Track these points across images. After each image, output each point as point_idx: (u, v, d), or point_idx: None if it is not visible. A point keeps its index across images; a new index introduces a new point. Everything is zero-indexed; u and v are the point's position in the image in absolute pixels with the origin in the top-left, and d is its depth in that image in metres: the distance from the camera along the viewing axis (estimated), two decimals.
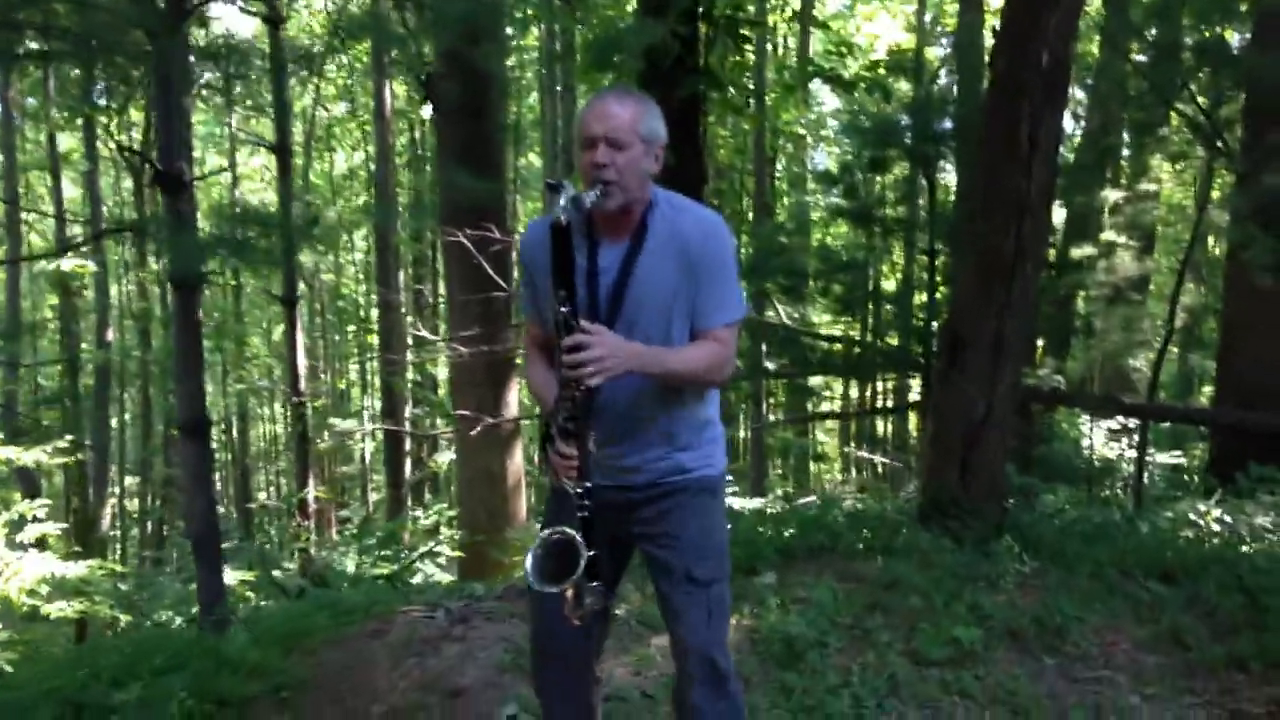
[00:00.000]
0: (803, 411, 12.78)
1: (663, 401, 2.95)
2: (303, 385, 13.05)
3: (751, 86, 12.71)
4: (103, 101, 15.30)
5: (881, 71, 7.10)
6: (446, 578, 11.40)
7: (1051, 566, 5.88)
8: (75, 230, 17.75)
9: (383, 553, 11.26)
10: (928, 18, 21.25)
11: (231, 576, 11.66)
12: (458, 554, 11.54)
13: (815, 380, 13.86)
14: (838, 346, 8.93)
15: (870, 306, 10.03)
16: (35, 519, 11.92)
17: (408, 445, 18.08)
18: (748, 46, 6.98)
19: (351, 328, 28.37)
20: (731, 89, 7.34)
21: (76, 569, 11.69)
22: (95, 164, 19.70)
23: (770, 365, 9.33)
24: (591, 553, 2.77)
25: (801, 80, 7.96)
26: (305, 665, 4.77)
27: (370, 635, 5.12)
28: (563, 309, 2.68)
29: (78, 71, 13.33)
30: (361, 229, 25.97)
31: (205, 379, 6.03)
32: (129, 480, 27.41)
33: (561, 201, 2.67)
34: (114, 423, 28.13)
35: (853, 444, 19.07)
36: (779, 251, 8.53)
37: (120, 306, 26.56)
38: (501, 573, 10.22)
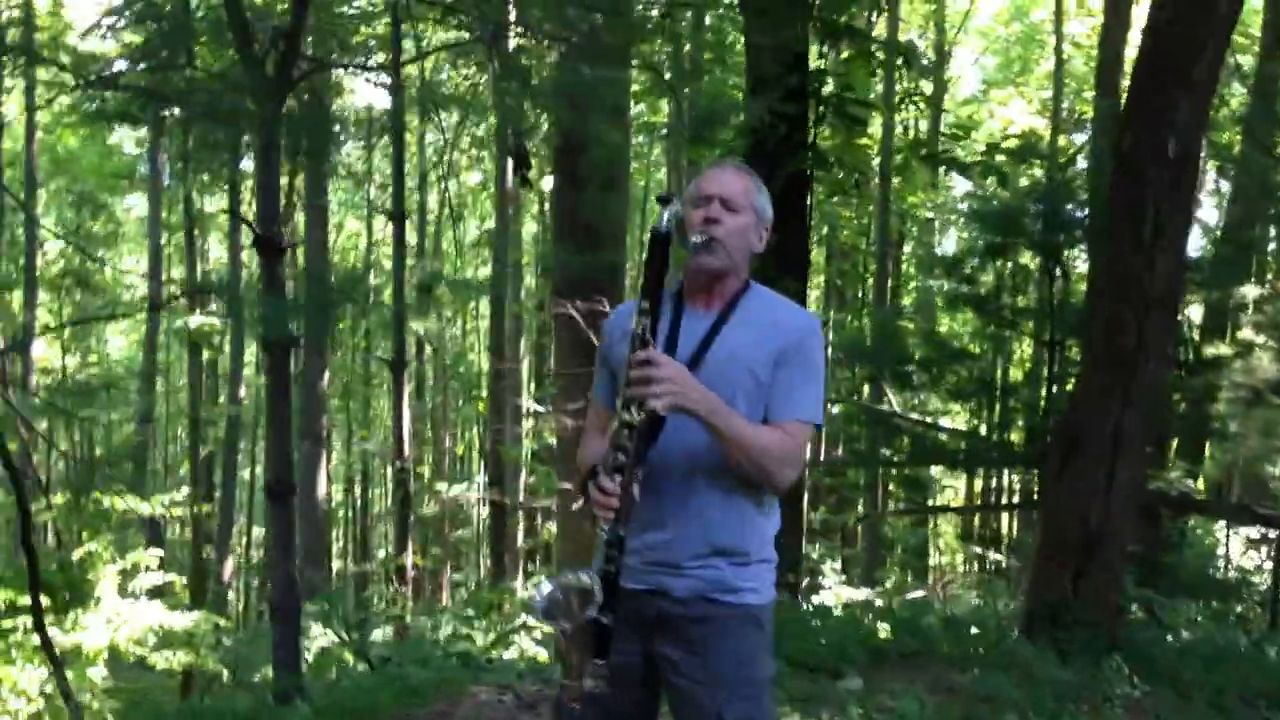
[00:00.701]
0: (917, 503, 12.33)
1: (722, 482, 2.66)
2: (407, 450, 13.11)
3: (875, 166, 12.54)
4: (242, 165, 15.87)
5: (1001, 156, 6.84)
6: (543, 653, 11.24)
7: (1166, 690, 5.42)
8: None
9: (480, 623, 11.16)
10: (1065, 104, 20.78)
11: (331, 638, 11.71)
12: (551, 629, 11.31)
13: (935, 471, 13.41)
14: (943, 438, 8.55)
15: (990, 400, 9.63)
16: (148, 569, 12.18)
17: (520, 514, 18.05)
18: (859, 126, 6.79)
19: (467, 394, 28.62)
20: (842, 169, 7.14)
21: (184, 620, 11.88)
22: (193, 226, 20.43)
23: (887, 452, 8.99)
24: (605, 618, 2.47)
25: (912, 162, 7.73)
26: None
27: (437, 716, 4.95)
28: (642, 321, 2.50)
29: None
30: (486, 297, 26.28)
31: (325, 442, 5.99)
32: (257, 532, 27.92)
33: (666, 214, 2.55)
34: (245, 475, 28.96)
35: (975, 540, 18.40)
36: (892, 336, 8.25)
37: (256, 363, 27.37)
38: None
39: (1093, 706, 5.11)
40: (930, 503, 12.48)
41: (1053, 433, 7.26)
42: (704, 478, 2.67)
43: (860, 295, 19.11)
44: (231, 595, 23.16)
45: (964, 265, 7.89)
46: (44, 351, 25.52)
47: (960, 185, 21.96)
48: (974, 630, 6.31)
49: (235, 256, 18.44)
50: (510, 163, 10.50)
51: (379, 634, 11.99)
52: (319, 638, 11.15)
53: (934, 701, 5.15)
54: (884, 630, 6.18)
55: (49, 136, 23.61)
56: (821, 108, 6.75)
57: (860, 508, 17.49)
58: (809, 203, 7.01)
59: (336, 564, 25.20)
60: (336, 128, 5.81)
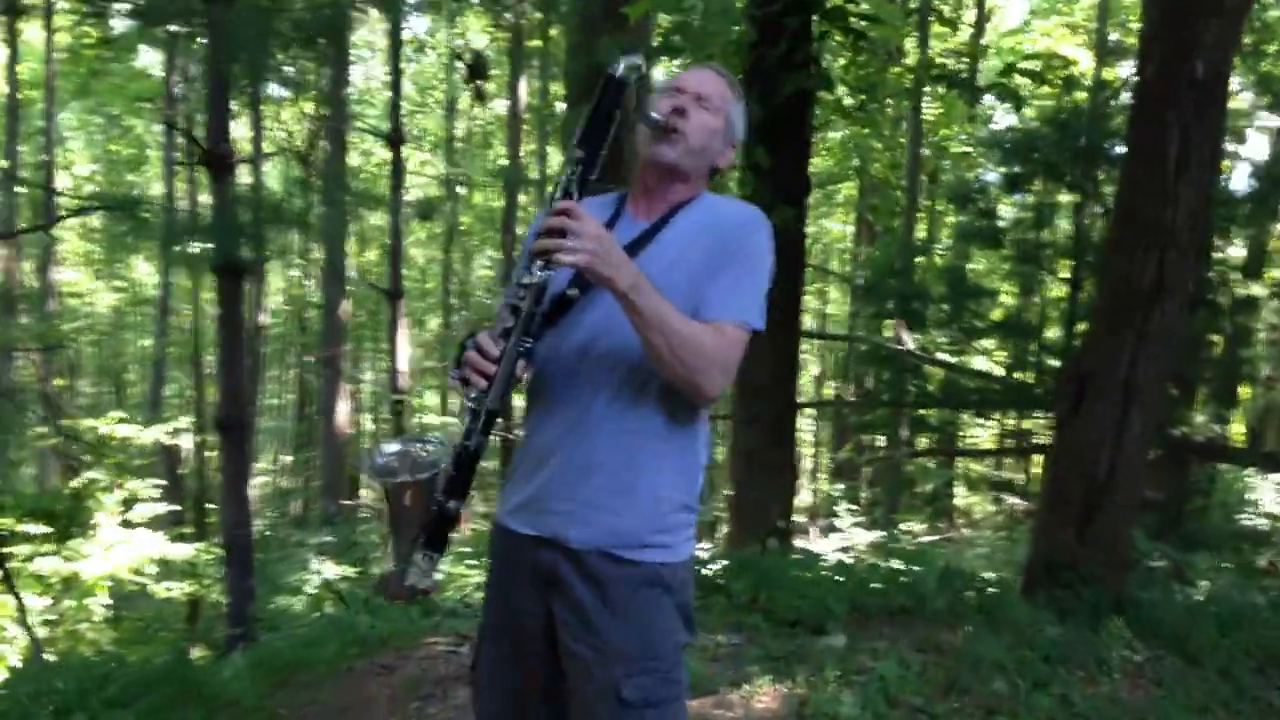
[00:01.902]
0: (933, 446, 11.91)
1: (642, 400, 2.28)
2: (407, 381, 12.80)
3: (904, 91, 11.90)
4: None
5: (1019, 79, 6.31)
6: None
7: (1171, 655, 5.04)
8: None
9: (480, 561, 10.93)
10: (1112, 38, 19.89)
11: (336, 570, 11.53)
12: None
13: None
14: (960, 379, 8.13)
15: (1011, 340, 9.17)
16: (151, 499, 12.02)
17: None
18: (864, 42, 6.29)
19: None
20: (851, 91, 6.65)
21: (183, 550, 11.74)
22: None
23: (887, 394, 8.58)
24: (451, 504, 2.13)
25: (919, 83, 7.21)
26: (296, 702, 4.32)
27: (380, 670, 4.65)
28: (572, 169, 2.15)
29: None
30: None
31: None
32: (286, 459, 27.84)
33: (625, 62, 2.21)
34: (276, 401, 28.90)
35: (1001, 485, 17.95)
36: (901, 272, 7.81)
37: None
38: None
39: (1087, 672, 4.73)
40: (933, 444, 11.99)
41: (1064, 375, 6.83)
42: (617, 391, 2.29)
43: (893, 229, 18.48)
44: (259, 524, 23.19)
45: (981, 198, 7.40)
46: (72, 276, 25.51)
47: (1006, 120, 21.27)
48: (970, 586, 5.92)
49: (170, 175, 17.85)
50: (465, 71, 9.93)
51: (380, 570, 11.81)
52: (320, 572, 10.98)
53: (918, 661, 4.80)
54: (876, 584, 5.81)
55: (72, 58, 23.39)
56: (825, 22, 6.25)
57: (862, 446, 17.08)
58: (809, 125, 6.53)
59: (366, 494, 25.17)
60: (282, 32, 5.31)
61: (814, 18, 6.27)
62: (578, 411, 2.30)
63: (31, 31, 19.76)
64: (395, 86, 12.53)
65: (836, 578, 5.83)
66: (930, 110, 17.55)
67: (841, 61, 6.94)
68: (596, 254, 2.06)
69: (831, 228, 26.54)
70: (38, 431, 18.33)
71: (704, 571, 6.03)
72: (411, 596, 2.14)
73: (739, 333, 2.28)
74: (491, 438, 2.18)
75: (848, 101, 6.78)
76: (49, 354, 16.60)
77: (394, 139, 11.63)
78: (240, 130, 23.08)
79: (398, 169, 12.26)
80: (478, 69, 8.84)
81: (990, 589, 5.96)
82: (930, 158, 18.00)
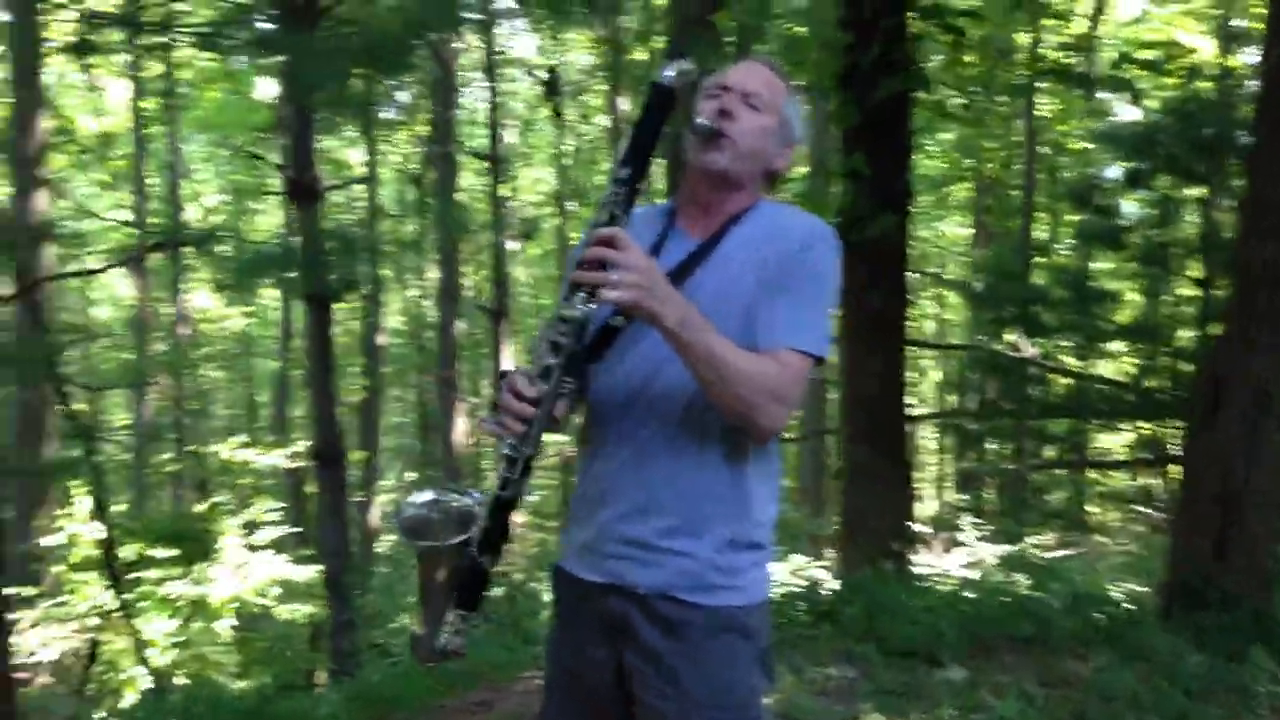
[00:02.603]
0: (1060, 457, 11.42)
1: (706, 435, 2.12)
2: None
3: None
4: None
5: (1135, 70, 5.94)
6: None
7: None
8: None
9: None
10: (1237, 23, 18.94)
11: None
12: None
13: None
14: (1063, 382, 7.74)
15: (1136, 345, 8.71)
16: (271, 523, 12.20)
17: None
18: (961, 39, 6.01)
19: None
20: (953, 91, 6.37)
21: (304, 572, 11.89)
22: None
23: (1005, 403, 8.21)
24: (483, 560, 1.97)
25: (1031, 79, 6.86)
26: None
27: (474, 708, 4.54)
28: (615, 190, 1.99)
29: None
30: None
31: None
32: (411, 477, 28.19)
33: (673, 68, 2.05)
34: (399, 420, 29.35)
35: (1136, 498, 17.18)
36: (1013, 275, 7.46)
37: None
38: None
39: (1229, 708, 4.38)
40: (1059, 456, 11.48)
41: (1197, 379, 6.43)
42: (675, 426, 2.12)
43: (1010, 231, 17.89)
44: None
45: (1100, 195, 7.02)
46: (204, 303, 26.30)
47: (1128, 113, 20.42)
48: (1104, 609, 5.57)
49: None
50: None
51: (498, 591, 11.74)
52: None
53: (1043, 696, 4.50)
54: (998, 608, 5.50)
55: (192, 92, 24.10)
56: (921, 21, 5.99)
57: (985, 457, 16.49)
58: (908, 128, 6.26)
59: None
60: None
61: (910, 16, 6.01)
62: (634, 449, 2.15)
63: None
64: (493, 106, 12.56)
65: (961, 598, 5.52)
66: (1047, 106, 16.96)
67: (936, 59, 6.66)
68: (641, 288, 1.90)
69: (948, 230, 25.93)
70: (166, 457, 19.00)
71: (817, 594, 5.82)
72: (443, 658, 2.00)
73: (799, 361, 2.09)
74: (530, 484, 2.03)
75: (953, 102, 6.47)
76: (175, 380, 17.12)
77: (492, 158, 11.64)
78: (357, 155, 23.69)
79: (495, 188, 12.27)
80: (552, 86, 8.74)
81: (1123, 611, 5.60)
82: (1047, 155, 17.36)
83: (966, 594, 5.90)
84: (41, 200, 13.29)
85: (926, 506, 24.91)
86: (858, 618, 5.29)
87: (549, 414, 1.98)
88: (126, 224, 13.36)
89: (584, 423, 2.26)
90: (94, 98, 20.31)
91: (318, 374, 5.23)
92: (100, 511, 6.37)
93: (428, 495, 2.05)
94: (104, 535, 6.48)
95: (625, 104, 14.98)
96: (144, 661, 6.81)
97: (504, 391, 2.01)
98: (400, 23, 4.61)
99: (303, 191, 5.00)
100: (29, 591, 11.16)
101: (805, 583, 6.75)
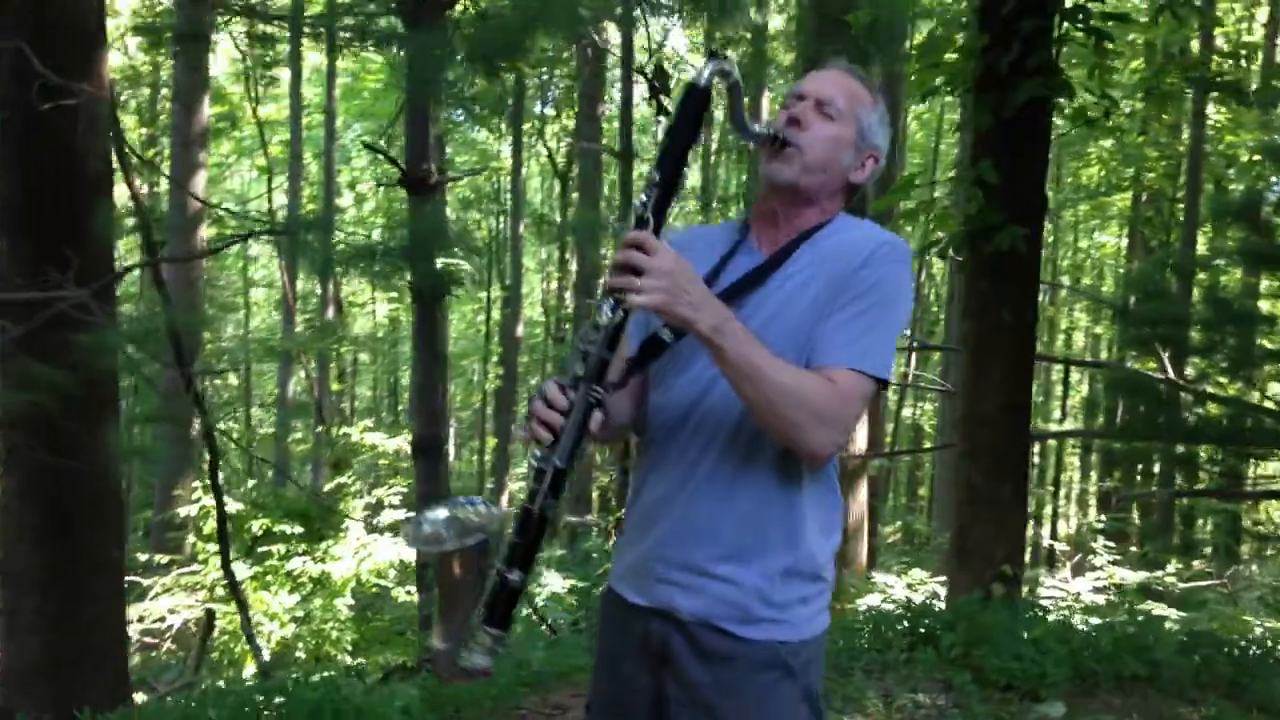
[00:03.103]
0: (1214, 486, 10.82)
1: (759, 453, 2.00)
2: None
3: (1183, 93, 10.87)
4: None
5: None
6: None
7: None
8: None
9: None
10: None
11: (563, 584, 11.57)
12: None
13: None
14: (1213, 409, 7.28)
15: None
16: (391, 505, 12.47)
17: None
18: (1106, 42, 5.67)
19: None
20: (1095, 95, 6.03)
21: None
22: None
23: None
24: (513, 576, 1.87)
25: (1181, 86, 6.46)
26: None
27: (551, 711, 4.47)
28: (648, 194, 1.90)
29: None
30: None
31: None
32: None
33: (709, 67, 1.94)
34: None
35: None
36: (1158, 293, 7.07)
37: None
38: (836, 617, 9.43)
39: None
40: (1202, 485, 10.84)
41: None
42: (726, 447, 2.02)
43: (1167, 244, 17.10)
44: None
45: (1258, 211, 6.60)
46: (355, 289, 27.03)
47: None
48: (1226, 650, 5.22)
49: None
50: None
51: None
52: (546, 584, 11.01)
53: None
54: (1107, 642, 5.19)
55: (352, 83, 24.75)
56: (1065, 23, 5.69)
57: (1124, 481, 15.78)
58: (1047, 136, 5.96)
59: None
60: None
61: (1054, 17, 5.71)
62: (685, 469, 2.05)
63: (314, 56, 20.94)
64: (626, 101, 12.56)
65: (1072, 630, 5.23)
66: (1219, 116, 16.14)
67: (1076, 63, 6.32)
68: (670, 292, 1.80)
69: (1105, 241, 24.97)
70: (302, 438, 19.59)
71: (920, 616, 5.60)
72: (469, 678, 1.91)
73: (856, 381, 1.96)
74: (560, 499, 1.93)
75: (1096, 110, 6.14)
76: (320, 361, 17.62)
77: (623, 155, 11.65)
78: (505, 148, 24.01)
79: (626, 183, 12.26)
80: (659, 84, 8.61)
81: (1248, 655, 5.24)
82: (1214, 165, 16.51)
83: (1079, 625, 5.61)
84: (200, 183, 13.83)
85: (1067, 526, 24.11)
86: (958, 644, 5.06)
87: (581, 424, 1.88)
88: (231, 211, 13.73)
89: (640, 441, 2.17)
90: (259, 86, 20.94)
91: (425, 365, 5.24)
92: (214, 486, 6.49)
93: (443, 512, 1.97)
94: (217, 508, 6.60)
95: (765, 106, 14.85)
96: (250, 637, 6.92)
97: (535, 399, 1.93)
98: (518, 19, 4.57)
99: (416, 183, 5.01)
100: (163, 559, 11.67)
101: (913, 600, 6.54)
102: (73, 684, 5.62)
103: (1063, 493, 25.94)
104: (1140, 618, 5.90)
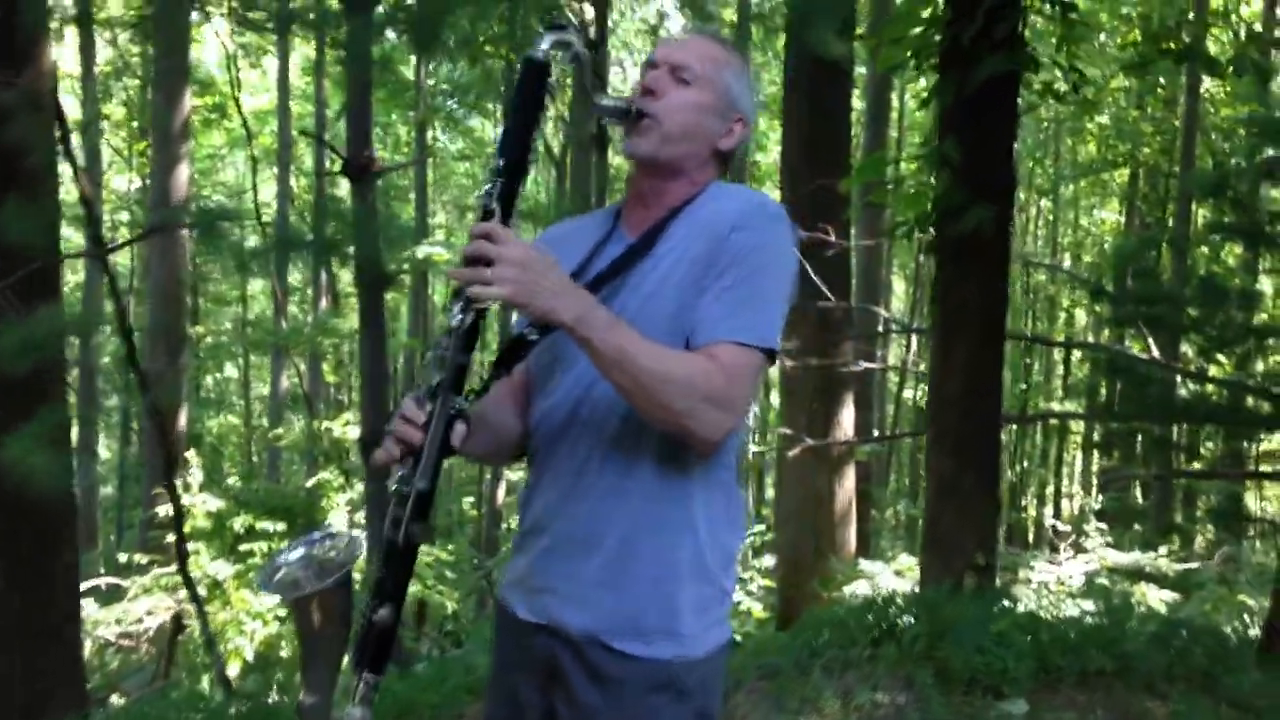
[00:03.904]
0: (1199, 464, 10.63)
1: (647, 451, 1.86)
2: None
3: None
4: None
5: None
6: (758, 609, 10.56)
7: None
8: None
9: None
10: None
11: None
12: (769, 583, 10.66)
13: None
14: (1209, 388, 7.09)
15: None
16: None
17: None
18: (1073, 14, 5.48)
19: None
20: (1061, 70, 5.83)
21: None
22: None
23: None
24: (381, 612, 1.70)
25: (1157, 58, 6.21)
26: None
27: None
28: (492, 182, 1.73)
29: None
30: None
31: None
32: None
33: (548, 39, 1.78)
34: None
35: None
36: (1141, 273, 6.88)
37: None
38: (820, 607, 9.30)
39: None
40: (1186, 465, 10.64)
41: None
42: (610, 449, 1.88)
43: (1161, 219, 16.87)
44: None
45: (1230, 187, 6.40)
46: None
47: None
48: (1203, 639, 5.05)
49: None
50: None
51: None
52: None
53: None
54: (1076, 636, 5.03)
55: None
56: None
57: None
58: (1013, 112, 5.77)
59: None
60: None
61: None
62: (570, 476, 1.91)
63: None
64: (599, 82, 12.33)
65: (1042, 622, 5.04)
66: (1216, 88, 15.91)
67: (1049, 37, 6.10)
68: (523, 282, 1.64)
69: (1105, 218, 24.71)
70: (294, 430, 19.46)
71: (885, 609, 5.44)
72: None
73: (740, 356, 1.81)
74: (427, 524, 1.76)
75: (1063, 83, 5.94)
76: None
77: (598, 141, 11.49)
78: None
79: (601, 172, 12.09)
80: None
81: (1224, 645, 5.07)
82: (1211, 140, 16.27)
83: (1049, 615, 5.44)
84: (183, 176, 13.66)
85: (1071, 507, 23.89)
86: (921, 638, 4.90)
87: (442, 439, 1.71)
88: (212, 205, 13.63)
89: (530, 449, 2.02)
90: (241, 73, 20.78)
91: (370, 357, 5.09)
92: (169, 485, 6.35)
93: (298, 551, 1.81)
94: (173, 506, 6.47)
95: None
96: (210, 642, 6.80)
97: (395, 416, 1.76)
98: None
99: (358, 170, 4.85)
100: (143, 559, 11.53)
101: (896, 591, 6.38)
102: (30, 695, 5.52)
103: (1065, 472, 25.77)
104: (1117, 602, 5.75)
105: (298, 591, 1.76)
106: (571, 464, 1.91)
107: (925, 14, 5.79)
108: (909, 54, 6.05)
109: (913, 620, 5.08)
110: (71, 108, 18.36)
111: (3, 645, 5.46)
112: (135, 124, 21.96)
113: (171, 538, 11.82)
